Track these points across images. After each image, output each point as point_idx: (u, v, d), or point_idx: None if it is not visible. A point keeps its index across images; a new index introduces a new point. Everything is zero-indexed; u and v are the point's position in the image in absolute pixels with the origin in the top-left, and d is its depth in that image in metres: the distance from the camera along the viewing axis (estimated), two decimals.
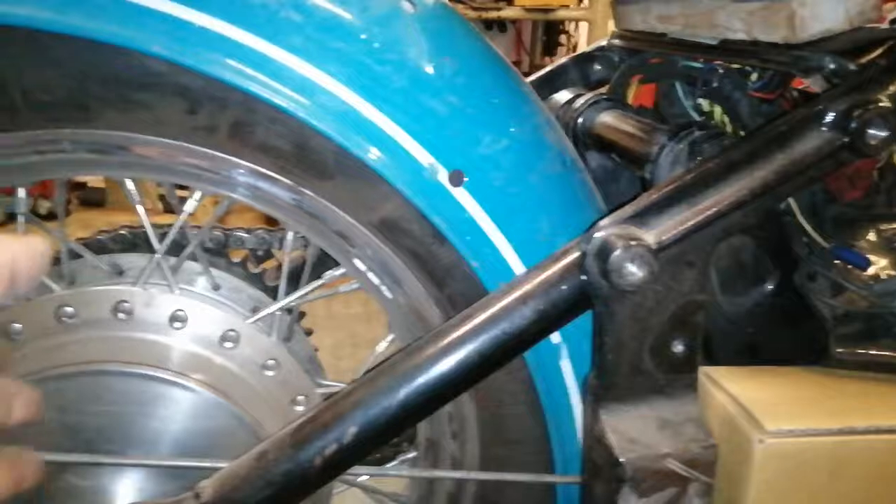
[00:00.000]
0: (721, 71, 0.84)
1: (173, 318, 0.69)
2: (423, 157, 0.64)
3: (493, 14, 3.79)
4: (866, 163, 0.75)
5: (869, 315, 0.68)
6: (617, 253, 0.54)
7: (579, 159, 0.78)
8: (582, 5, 4.13)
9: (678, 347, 0.59)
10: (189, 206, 0.71)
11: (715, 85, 0.84)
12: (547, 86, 1.07)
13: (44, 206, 3.43)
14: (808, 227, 0.71)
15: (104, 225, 0.88)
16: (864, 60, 0.63)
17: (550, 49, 4.64)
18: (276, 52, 0.59)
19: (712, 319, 0.75)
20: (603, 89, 1.02)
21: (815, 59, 0.65)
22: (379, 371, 0.59)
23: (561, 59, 1.13)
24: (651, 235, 0.56)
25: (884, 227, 0.72)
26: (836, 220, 0.73)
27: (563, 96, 1.01)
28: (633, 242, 0.54)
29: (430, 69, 0.65)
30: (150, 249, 0.73)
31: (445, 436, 0.78)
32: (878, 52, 0.63)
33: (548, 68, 1.08)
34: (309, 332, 0.89)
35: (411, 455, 0.84)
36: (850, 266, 0.69)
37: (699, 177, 0.58)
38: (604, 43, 1.07)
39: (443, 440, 0.79)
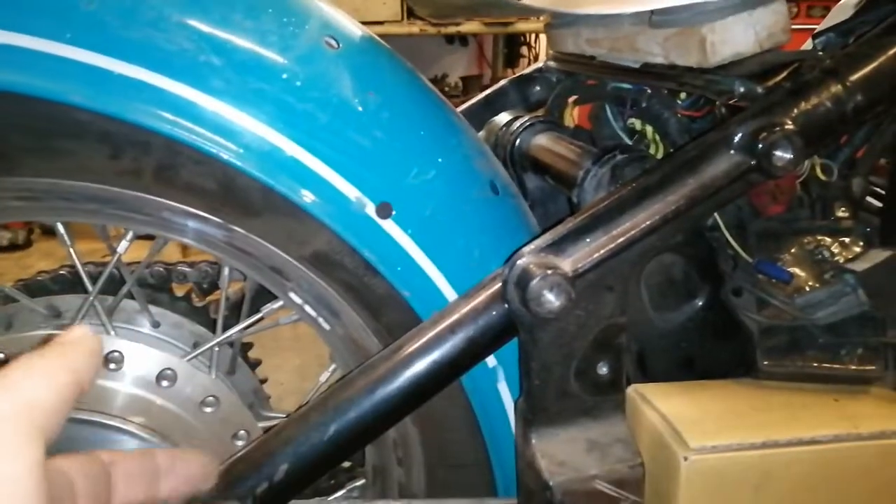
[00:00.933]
0: (649, 91, 0.86)
1: (108, 360, 0.69)
2: (350, 191, 0.64)
3: (452, 29, 3.82)
4: (788, 178, 0.77)
5: (792, 327, 0.70)
6: (535, 282, 0.55)
7: (512, 184, 0.80)
8: (541, 17, 4.17)
9: (603, 370, 0.60)
10: (122, 246, 0.71)
11: (644, 105, 0.86)
12: (488, 108, 1.09)
13: (5, 237, 3.41)
14: (732, 243, 0.73)
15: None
16: (770, 84, 0.65)
17: (512, 61, 4.67)
18: (197, 96, 0.60)
19: (646, 335, 0.76)
20: (541, 111, 1.03)
21: (727, 83, 0.67)
22: (311, 406, 0.60)
23: (507, 78, 1.15)
24: (568, 263, 0.57)
25: (806, 240, 0.74)
26: (761, 234, 0.74)
27: (502, 118, 1.03)
28: (549, 271, 0.55)
29: (353, 105, 0.66)
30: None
31: (392, 462, 0.79)
32: (783, 75, 0.65)
33: (487, 91, 1.10)
34: (255, 364, 0.89)
35: (360, 482, 0.85)
36: (773, 280, 0.71)
37: (614, 203, 0.60)
38: (541, 65, 1.09)
39: (389, 466, 0.80)
